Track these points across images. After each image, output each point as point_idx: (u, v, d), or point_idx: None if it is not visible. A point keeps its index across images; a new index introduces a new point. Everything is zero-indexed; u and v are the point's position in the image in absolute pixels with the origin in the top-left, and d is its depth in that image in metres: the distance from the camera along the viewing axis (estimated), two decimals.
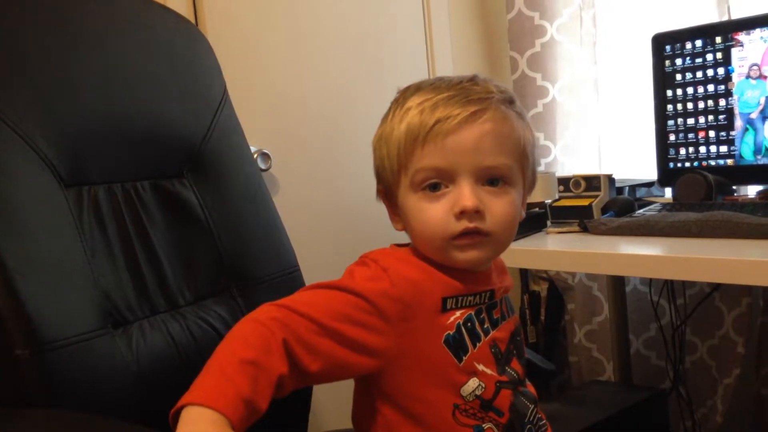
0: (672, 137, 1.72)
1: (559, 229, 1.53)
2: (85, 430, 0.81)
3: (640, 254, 1.27)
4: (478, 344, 0.86)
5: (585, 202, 1.55)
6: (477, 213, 0.82)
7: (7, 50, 0.93)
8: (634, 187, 1.80)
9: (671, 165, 1.72)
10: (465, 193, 0.82)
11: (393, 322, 0.81)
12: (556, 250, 1.41)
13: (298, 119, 1.89)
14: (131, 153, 1.06)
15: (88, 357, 0.88)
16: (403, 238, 0.93)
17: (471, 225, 0.82)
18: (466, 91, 0.83)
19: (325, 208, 1.93)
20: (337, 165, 1.96)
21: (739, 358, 1.84)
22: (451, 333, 0.85)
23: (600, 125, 2.12)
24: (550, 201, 1.62)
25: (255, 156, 1.74)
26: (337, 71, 1.97)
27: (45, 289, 0.86)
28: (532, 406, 0.92)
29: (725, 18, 1.81)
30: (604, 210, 1.55)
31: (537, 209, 1.59)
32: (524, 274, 2.24)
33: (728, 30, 1.61)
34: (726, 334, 1.87)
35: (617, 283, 1.93)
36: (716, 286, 1.84)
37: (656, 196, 1.85)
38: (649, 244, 1.32)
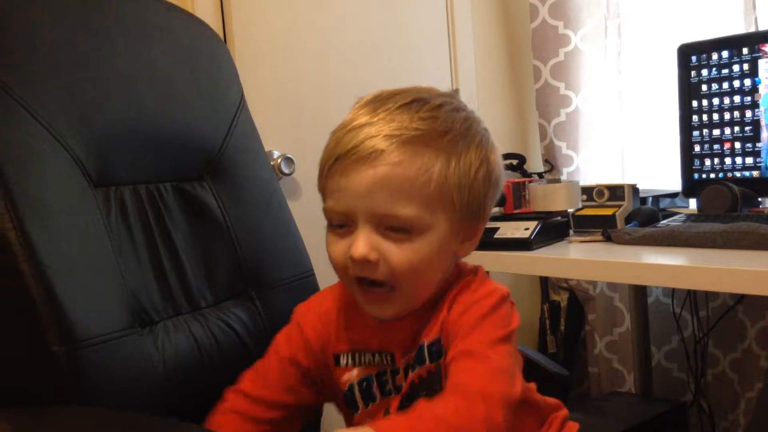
0: (697, 148, 1.71)
1: (582, 238, 1.53)
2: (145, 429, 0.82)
3: (664, 264, 1.26)
4: (371, 404, 0.87)
5: (609, 212, 1.54)
6: (368, 263, 0.78)
7: (39, 51, 0.94)
8: (657, 198, 1.79)
9: (696, 176, 1.71)
10: (356, 241, 0.78)
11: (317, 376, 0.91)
12: (578, 258, 1.40)
13: (322, 124, 1.89)
14: (155, 155, 1.07)
15: (119, 355, 0.88)
16: None
17: (362, 275, 0.79)
18: (386, 125, 0.79)
19: None
20: None
21: (762, 372, 1.82)
22: (345, 392, 0.88)
23: (624, 135, 2.11)
24: (573, 210, 1.62)
25: (279, 160, 1.76)
26: (361, 78, 1.98)
27: (78, 287, 0.87)
28: None
29: (752, 29, 1.80)
30: (628, 220, 1.55)
31: (560, 218, 1.59)
32: (544, 283, 2.24)
33: (755, 41, 1.60)
34: (749, 348, 1.85)
35: (639, 293, 1.91)
36: (740, 299, 1.82)
37: (680, 207, 1.83)
38: (673, 254, 1.31)
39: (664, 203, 1.83)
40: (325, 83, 1.90)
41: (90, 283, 0.89)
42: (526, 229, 1.50)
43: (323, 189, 0.84)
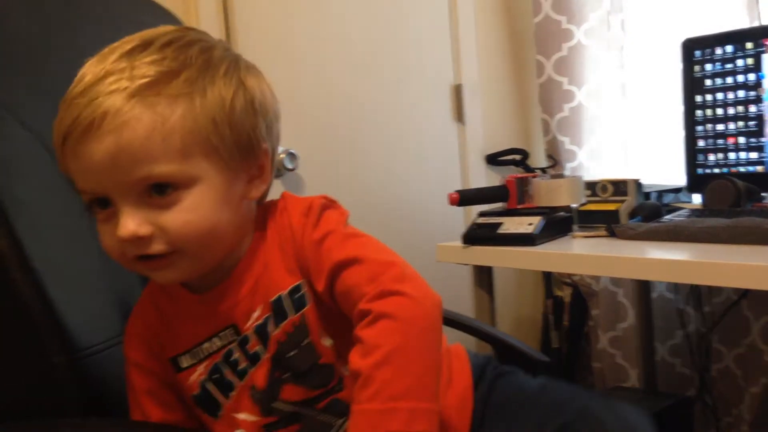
0: (701, 143, 1.70)
1: (586, 234, 1.52)
2: None
3: (668, 259, 1.26)
4: (231, 394, 0.79)
5: (612, 207, 1.54)
6: (141, 239, 0.69)
7: (17, 48, 0.92)
8: (661, 193, 1.79)
9: (700, 171, 1.71)
10: (121, 221, 0.69)
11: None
12: (582, 253, 1.40)
13: (324, 121, 1.90)
14: None
15: (117, 362, 0.86)
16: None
17: (140, 252, 0.71)
18: (108, 81, 0.68)
19: (350, 206, 1.93)
20: (361, 165, 1.97)
21: (766, 367, 1.82)
22: (197, 393, 0.79)
23: (627, 130, 2.11)
24: (576, 205, 1.61)
25: (282, 156, 1.75)
26: (362, 73, 1.98)
27: (73, 295, 0.85)
28: (339, 420, 0.79)
29: (756, 23, 1.79)
30: (632, 215, 1.54)
31: (563, 213, 1.58)
32: (547, 278, 2.23)
33: (759, 36, 1.59)
34: (753, 343, 1.85)
35: (643, 289, 1.91)
36: (744, 294, 1.81)
37: (684, 202, 1.83)
38: (677, 249, 1.31)
39: (668, 198, 1.82)
40: (327, 78, 1.90)
41: (84, 290, 0.88)
42: (530, 224, 1.49)
43: (66, 170, 0.72)
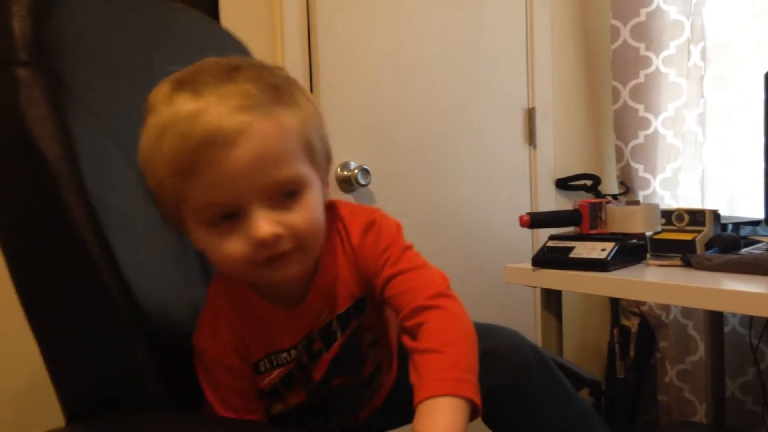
0: None
1: (660, 262, 1.51)
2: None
3: (746, 291, 1.23)
4: (292, 387, 0.90)
5: (688, 237, 1.52)
6: (279, 239, 0.74)
7: (113, 67, 0.96)
8: (738, 225, 1.75)
9: None
10: (256, 224, 0.73)
11: None
12: (655, 281, 1.38)
13: (398, 138, 1.93)
14: None
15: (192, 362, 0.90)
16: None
17: (273, 253, 0.75)
18: (225, 101, 0.72)
19: (420, 224, 1.95)
20: (432, 183, 1.99)
21: None
22: (269, 390, 0.89)
23: (705, 160, 2.07)
24: (650, 233, 1.59)
25: (355, 171, 1.78)
26: (437, 93, 2.00)
27: (155, 294, 0.89)
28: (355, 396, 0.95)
29: None
30: (708, 246, 1.52)
31: (636, 240, 1.57)
32: (615, 307, 2.20)
33: None
34: None
35: (715, 322, 1.87)
36: None
37: (762, 235, 1.79)
38: (753, 282, 1.28)
39: (745, 231, 1.78)
40: (403, 96, 1.93)
41: (165, 291, 0.92)
42: (603, 249, 1.48)
43: (180, 192, 0.75)
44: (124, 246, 0.86)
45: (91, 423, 0.84)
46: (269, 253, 0.75)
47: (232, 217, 0.74)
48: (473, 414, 0.74)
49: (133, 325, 0.84)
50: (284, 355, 0.86)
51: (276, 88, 0.75)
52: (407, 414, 0.74)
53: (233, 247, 0.75)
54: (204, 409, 0.86)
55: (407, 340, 0.80)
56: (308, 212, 0.77)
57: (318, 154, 0.79)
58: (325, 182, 0.83)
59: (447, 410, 0.72)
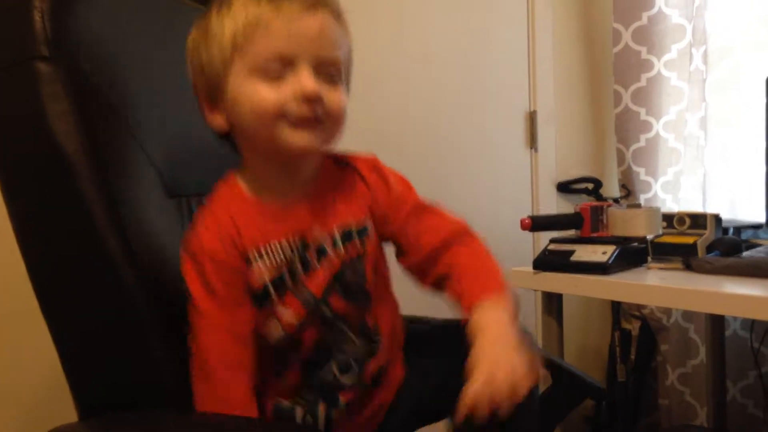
0: None
1: (661, 265, 1.50)
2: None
3: (747, 294, 1.23)
4: (284, 293, 0.89)
5: (690, 240, 1.51)
6: (319, 99, 0.84)
7: (142, 75, 0.99)
8: (739, 229, 1.75)
9: None
10: (306, 80, 0.83)
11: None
12: (656, 285, 1.38)
13: (399, 141, 1.93)
14: (205, 166, 1.10)
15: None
16: None
17: (309, 114, 0.84)
18: None
19: None
20: (433, 186, 1.98)
21: None
22: (259, 292, 0.88)
23: (706, 164, 2.07)
24: (652, 236, 1.59)
25: None
26: (439, 96, 2.00)
27: (174, 292, 0.89)
28: (353, 335, 0.94)
29: None
30: (709, 249, 1.51)
31: (637, 244, 1.57)
32: (616, 310, 2.20)
33: None
34: None
35: (716, 325, 1.87)
36: None
37: (763, 238, 1.79)
38: (755, 285, 1.28)
39: (746, 235, 1.78)
40: (403, 99, 1.93)
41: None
42: (604, 253, 1.48)
43: (243, 44, 0.85)
44: (142, 242, 0.87)
45: (101, 418, 0.85)
46: (305, 110, 0.84)
47: (282, 69, 0.84)
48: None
49: (151, 321, 0.85)
50: (275, 245, 0.88)
51: (342, 12, 0.90)
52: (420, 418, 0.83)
53: (271, 92, 0.84)
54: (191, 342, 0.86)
55: (437, 269, 0.94)
56: (341, 100, 0.88)
57: (346, 72, 0.91)
58: None
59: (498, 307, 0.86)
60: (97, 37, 0.90)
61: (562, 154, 2.29)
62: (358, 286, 0.94)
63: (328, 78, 0.86)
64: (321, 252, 0.91)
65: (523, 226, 1.57)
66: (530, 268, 1.58)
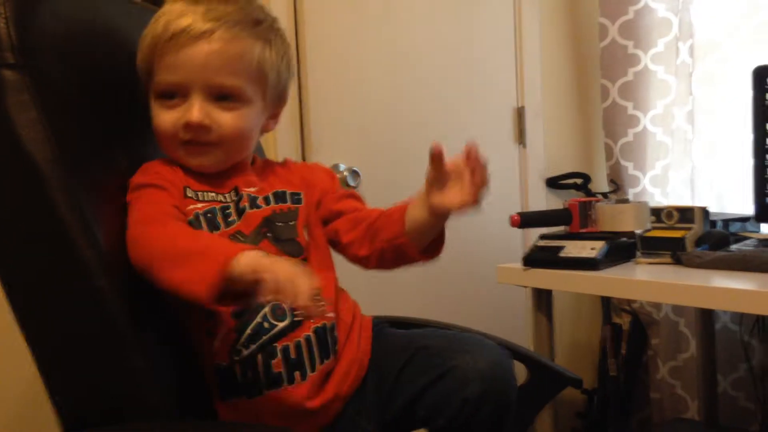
0: None
1: (650, 260, 1.50)
2: None
3: (736, 288, 1.23)
4: (216, 231, 0.94)
5: (678, 234, 1.51)
6: (202, 127, 0.92)
7: (105, 69, 0.98)
8: (727, 222, 1.75)
9: None
10: (192, 108, 0.91)
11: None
12: (646, 279, 1.38)
13: (387, 139, 1.92)
14: None
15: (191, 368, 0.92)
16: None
17: (195, 139, 0.92)
18: (211, 8, 0.91)
19: None
20: (422, 184, 1.98)
21: None
22: (191, 218, 0.93)
23: (694, 157, 2.07)
24: (640, 231, 1.59)
25: (344, 173, 1.78)
26: (427, 93, 1.99)
27: (153, 299, 0.89)
28: None
29: None
30: (698, 243, 1.52)
31: (626, 239, 1.56)
32: (606, 305, 2.20)
33: None
34: None
35: (706, 319, 1.87)
36: None
37: (751, 231, 1.79)
38: (743, 278, 1.28)
39: (735, 227, 1.78)
40: (392, 97, 1.92)
41: (155, 310, 0.92)
42: (593, 248, 1.48)
43: (151, 66, 0.94)
44: (116, 248, 0.85)
45: None
46: (192, 137, 0.93)
47: (178, 96, 0.92)
48: None
49: (129, 332, 0.83)
50: (210, 194, 0.96)
51: (257, 22, 0.95)
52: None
53: (169, 119, 0.93)
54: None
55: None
56: (238, 120, 0.94)
57: (269, 88, 0.98)
58: (271, 115, 1.03)
59: None
60: (62, 41, 0.89)
61: (551, 150, 2.29)
62: (289, 235, 0.99)
63: (224, 103, 0.93)
64: (253, 201, 0.98)
65: (512, 223, 1.57)
66: (520, 265, 1.58)
